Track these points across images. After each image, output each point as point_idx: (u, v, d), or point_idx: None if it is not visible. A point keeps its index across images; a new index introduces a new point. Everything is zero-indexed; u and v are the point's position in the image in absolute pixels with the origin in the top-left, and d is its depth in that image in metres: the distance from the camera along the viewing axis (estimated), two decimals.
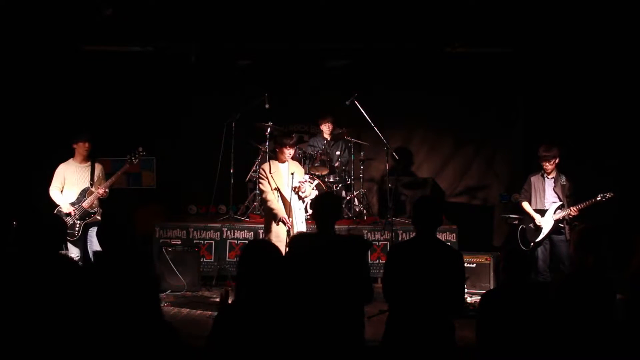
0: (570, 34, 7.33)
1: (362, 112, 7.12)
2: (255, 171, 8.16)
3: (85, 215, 6.25)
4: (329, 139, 8.20)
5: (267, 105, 7.86)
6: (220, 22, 7.39)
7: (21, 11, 7.03)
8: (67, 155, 6.52)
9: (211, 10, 7.16)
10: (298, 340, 2.75)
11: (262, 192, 5.91)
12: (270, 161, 5.97)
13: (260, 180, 5.91)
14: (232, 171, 7.89)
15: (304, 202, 5.92)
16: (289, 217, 5.62)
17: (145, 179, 8.63)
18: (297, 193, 5.74)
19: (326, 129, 8.15)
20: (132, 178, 8.54)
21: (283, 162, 5.82)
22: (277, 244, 5.54)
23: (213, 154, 7.88)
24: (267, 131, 7.98)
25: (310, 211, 7.15)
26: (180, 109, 8.67)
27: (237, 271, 2.86)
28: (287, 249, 3.82)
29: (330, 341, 3.45)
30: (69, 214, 6.20)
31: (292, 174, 5.80)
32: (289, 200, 5.65)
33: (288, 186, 5.74)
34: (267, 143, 8.04)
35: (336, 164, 7.94)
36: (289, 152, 5.75)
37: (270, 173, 5.76)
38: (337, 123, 8.20)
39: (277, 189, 5.78)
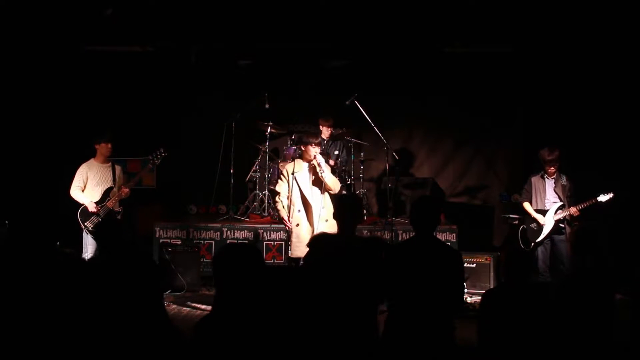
0: (570, 34, 7.34)
1: (362, 112, 7.12)
2: (255, 171, 8.17)
3: (110, 214, 6.28)
4: (326, 138, 8.19)
5: (267, 105, 7.87)
6: (220, 22, 7.40)
7: (23, 12, 7.03)
8: (65, 155, 6.52)
9: (211, 10, 7.16)
10: (305, 342, 2.73)
11: (276, 192, 6.01)
12: (295, 160, 5.98)
13: (279, 180, 6.01)
14: (232, 171, 7.89)
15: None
16: (308, 216, 5.68)
17: (145, 179, 8.61)
18: (319, 172, 5.72)
19: (325, 130, 8.12)
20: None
21: (308, 161, 5.82)
22: (297, 245, 5.60)
23: (213, 154, 7.88)
24: (267, 131, 7.98)
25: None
26: (180, 109, 8.68)
27: (213, 275, 2.81)
28: (308, 250, 3.82)
29: (346, 341, 3.45)
30: (94, 213, 6.23)
31: (294, 174, 5.81)
32: (310, 201, 5.69)
33: (311, 188, 5.79)
34: (267, 143, 8.04)
35: (332, 162, 7.92)
36: (314, 150, 5.75)
37: (293, 173, 5.77)
38: (336, 124, 8.19)
39: (297, 194, 5.78)
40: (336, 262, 3.59)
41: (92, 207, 6.23)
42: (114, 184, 6.38)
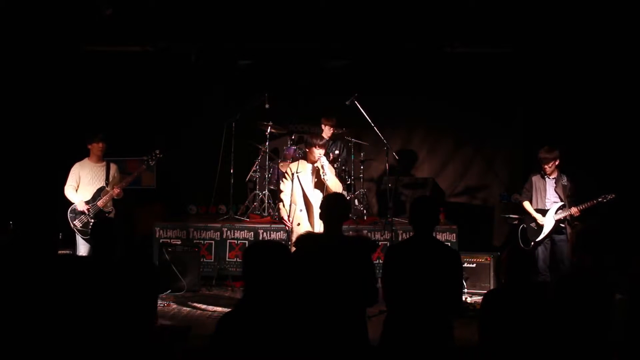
0: (570, 34, 7.33)
1: (362, 112, 7.12)
2: (255, 171, 8.17)
3: (99, 214, 6.27)
4: (328, 138, 8.17)
5: (267, 105, 7.87)
6: (220, 22, 7.40)
7: (22, 12, 7.03)
8: (67, 154, 6.51)
9: (211, 10, 7.16)
10: (302, 341, 2.75)
11: (279, 190, 6.08)
12: (300, 161, 6.00)
13: (282, 179, 6.06)
14: (232, 171, 7.90)
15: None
16: (309, 216, 5.73)
17: (145, 179, 8.62)
18: (322, 174, 5.78)
19: (328, 130, 8.10)
20: None
21: (312, 162, 5.86)
22: None
23: (213, 154, 7.89)
24: (267, 131, 7.98)
25: None
26: (180, 109, 8.68)
27: (242, 271, 2.86)
28: (294, 249, 3.82)
29: (334, 342, 3.44)
30: (83, 212, 6.23)
31: (297, 174, 5.84)
32: (312, 202, 5.73)
33: (313, 188, 5.83)
34: (267, 143, 8.04)
35: (331, 155, 7.92)
36: (318, 151, 5.78)
37: (297, 172, 5.81)
38: (337, 124, 8.18)
39: (300, 194, 5.81)
40: (321, 261, 3.59)
41: (81, 206, 6.23)
42: (107, 183, 6.36)
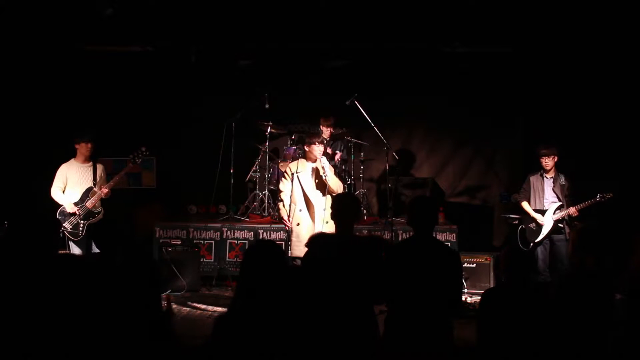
0: (570, 34, 7.33)
1: (362, 112, 7.12)
2: (255, 171, 8.17)
3: (89, 215, 6.24)
4: (327, 138, 8.18)
5: (267, 105, 7.87)
6: (220, 22, 7.40)
7: (21, 11, 7.03)
8: (68, 155, 6.50)
9: (211, 10, 7.16)
10: (306, 341, 2.75)
11: (279, 190, 6.10)
12: (299, 160, 6.00)
13: (282, 179, 6.06)
14: (232, 171, 7.90)
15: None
16: (310, 216, 5.75)
17: (145, 179, 8.63)
18: (323, 174, 5.79)
19: (326, 130, 8.11)
20: (132, 178, 8.53)
21: (312, 160, 5.85)
22: (297, 244, 5.63)
23: (213, 154, 7.88)
24: (267, 131, 7.98)
25: None
26: (180, 109, 8.67)
27: (240, 271, 2.86)
28: (306, 249, 3.83)
29: (346, 341, 3.45)
30: (72, 214, 6.19)
31: (297, 173, 5.85)
32: (312, 202, 5.73)
33: (313, 188, 5.84)
34: (267, 143, 8.05)
35: (337, 156, 7.93)
36: (318, 148, 5.78)
37: (297, 172, 5.81)
38: (337, 124, 8.19)
39: (300, 193, 5.81)
40: (334, 262, 3.60)
41: (70, 208, 6.18)
42: (95, 183, 6.30)
